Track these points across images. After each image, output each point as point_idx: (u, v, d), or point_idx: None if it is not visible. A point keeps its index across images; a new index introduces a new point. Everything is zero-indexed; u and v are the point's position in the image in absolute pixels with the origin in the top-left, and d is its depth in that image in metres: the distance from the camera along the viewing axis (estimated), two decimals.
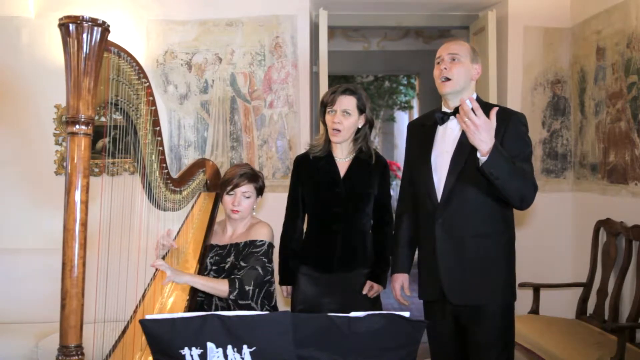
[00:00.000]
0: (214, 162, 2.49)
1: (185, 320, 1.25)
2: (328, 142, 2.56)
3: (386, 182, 2.59)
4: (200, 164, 2.39)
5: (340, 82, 4.62)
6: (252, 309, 2.19)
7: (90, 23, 1.41)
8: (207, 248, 2.31)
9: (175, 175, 2.19)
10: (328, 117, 2.51)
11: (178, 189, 2.18)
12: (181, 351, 1.25)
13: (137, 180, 2.00)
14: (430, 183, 2.16)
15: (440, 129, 2.20)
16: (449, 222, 2.11)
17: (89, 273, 1.47)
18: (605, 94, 3.52)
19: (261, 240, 2.26)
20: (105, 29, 1.45)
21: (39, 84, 3.79)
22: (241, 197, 2.31)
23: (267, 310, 2.27)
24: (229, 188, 2.31)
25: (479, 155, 1.90)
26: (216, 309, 2.24)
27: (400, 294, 2.35)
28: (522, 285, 3.38)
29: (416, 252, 2.35)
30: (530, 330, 3.19)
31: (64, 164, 2.17)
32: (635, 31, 3.21)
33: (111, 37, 1.50)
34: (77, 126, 1.42)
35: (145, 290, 2.17)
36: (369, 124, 2.56)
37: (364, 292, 2.49)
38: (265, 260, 2.22)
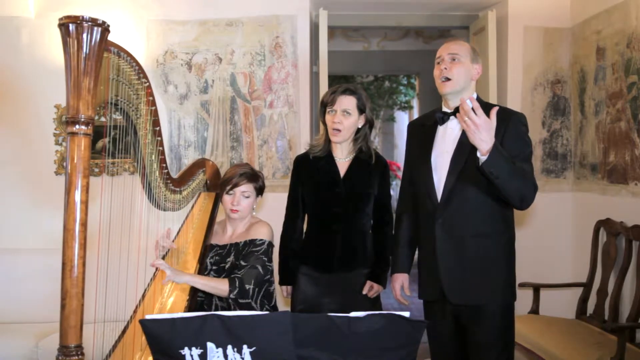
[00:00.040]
0: (214, 162, 2.49)
1: (185, 320, 1.25)
2: (328, 142, 2.56)
3: (386, 182, 2.59)
4: (200, 164, 2.39)
5: (340, 82, 4.62)
6: (252, 308, 2.19)
7: (90, 23, 1.41)
8: (207, 248, 2.31)
9: (175, 175, 2.19)
10: (328, 117, 2.51)
11: (178, 189, 2.18)
12: (181, 351, 1.25)
13: (137, 180, 2.00)
14: (430, 183, 2.16)
15: (440, 129, 2.21)
16: (449, 222, 2.11)
17: (89, 273, 1.47)
18: (605, 94, 3.52)
19: (261, 239, 2.26)
20: (105, 29, 1.45)
21: (39, 84, 3.79)
22: (240, 196, 2.31)
23: (266, 310, 2.27)
24: (228, 187, 2.31)
25: (479, 154, 1.90)
26: (216, 309, 2.24)
27: (400, 294, 2.35)
28: (522, 285, 3.38)
29: (416, 252, 2.35)
30: (530, 330, 3.19)
31: (64, 164, 2.17)
32: (635, 31, 3.21)
33: (111, 37, 1.50)
34: (77, 126, 1.42)
35: (145, 290, 2.17)
36: (369, 124, 2.56)
37: (364, 292, 2.49)
38: (265, 259, 2.22)
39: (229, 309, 2.19)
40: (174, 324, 1.25)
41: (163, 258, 2.20)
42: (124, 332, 1.99)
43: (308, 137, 3.80)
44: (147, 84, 1.80)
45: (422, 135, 2.27)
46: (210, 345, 1.24)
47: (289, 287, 2.62)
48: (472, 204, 2.09)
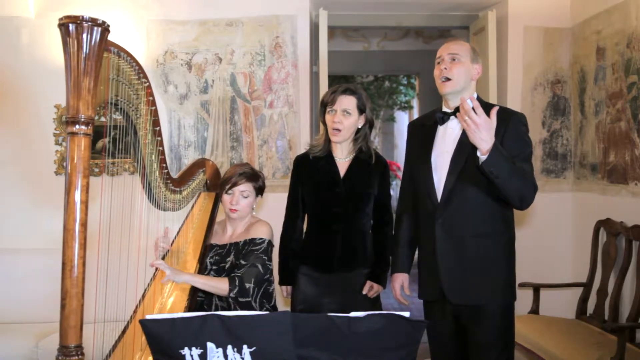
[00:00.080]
0: (214, 162, 2.49)
1: (185, 320, 1.25)
2: (328, 142, 2.56)
3: (386, 182, 2.59)
4: (200, 164, 2.39)
5: (340, 82, 4.62)
6: (252, 307, 2.20)
7: (90, 23, 1.41)
8: (207, 248, 2.31)
9: (175, 175, 2.19)
10: (328, 117, 2.51)
11: (178, 189, 2.18)
12: (181, 351, 1.25)
13: (137, 180, 2.00)
14: (430, 183, 2.16)
15: (440, 129, 2.21)
16: (449, 222, 2.11)
17: (89, 273, 1.47)
18: (605, 94, 3.52)
19: (261, 238, 2.26)
20: (105, 29, 1.45)
21: (39, 84, 3.79)
22: (239, 196, 2.31)
23: (266, 310, 2.27)
24: (227, 187, 2.31)
25: (479, 154, 1.90)
26: (216, 309, 2.24)
27: (400, 293, 2.35)
28: (522, 285, 3.38)
29: (416, 252, 2.35)
30: (530, 330, 3.19)
31: (64, 164, 2.17)
32: (635, 31, 3.21)
33: (111, 37, 1.50)
34: (77, 126, 1.42)
35: (145, 290, 2.17)
36: (369, 124, 2.56)
37: (364, 292, 2.49)
38: (265, 258, 2.22)
39: (229, 309, 2.19)
40: (174, 324, 1.25)
41: (163, 258, 2.20)
42: (124, 332, 1.99)
43: (308, 137, 3.80)
44: (147, 84, 1.80)
45: (422, 135, 2.27)
46: (210, 345, 1.24)
47: (289, 287, 2.62)
48: (472, 204, 2.09)
